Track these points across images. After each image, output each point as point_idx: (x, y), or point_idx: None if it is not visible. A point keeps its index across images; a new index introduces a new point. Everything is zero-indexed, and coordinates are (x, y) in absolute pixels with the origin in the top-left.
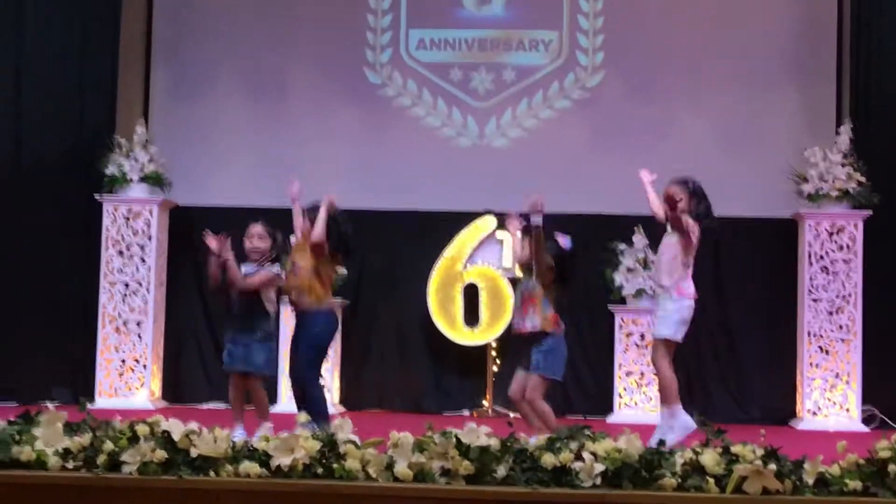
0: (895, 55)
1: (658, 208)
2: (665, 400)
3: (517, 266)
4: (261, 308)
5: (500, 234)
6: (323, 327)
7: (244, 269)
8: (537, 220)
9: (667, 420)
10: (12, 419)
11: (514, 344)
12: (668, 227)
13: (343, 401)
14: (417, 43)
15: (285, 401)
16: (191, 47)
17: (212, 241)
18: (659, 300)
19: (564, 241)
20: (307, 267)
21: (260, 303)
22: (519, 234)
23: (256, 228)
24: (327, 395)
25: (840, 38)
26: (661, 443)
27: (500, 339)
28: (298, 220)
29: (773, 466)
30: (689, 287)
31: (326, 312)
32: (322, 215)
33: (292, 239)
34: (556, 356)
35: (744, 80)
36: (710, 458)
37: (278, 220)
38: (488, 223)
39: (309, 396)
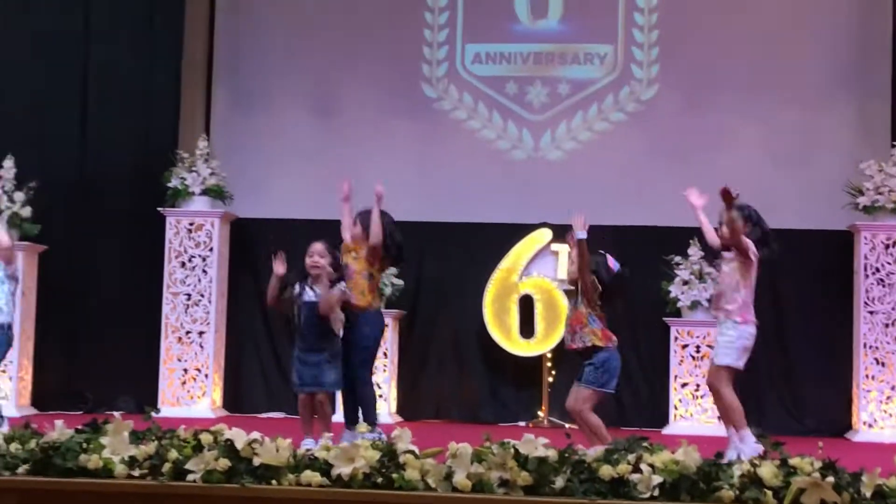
0: None
1: (712, 235)
2: (733, 424)
3: (568, 281)
4: (328, 327)
5: (555, 246)
6: (373, 327)
7: (310, 292)
8: (581, 234)
9: (736, 444)
10: (80, 427)
11: (570, 356)
12: (726, 254)
13: (400, 411)
14: (473, 57)
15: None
16: (251, 63)
17: (279, 267)
18: (721, 326)
19: (613, 263)
20: (360, 270)
21: (327, 322)
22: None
23: (317, 247)
24: (384, 405)
25: (895, 52)
26: (719, 455)
27: (555, 351)
28: (347, 220)
29: (831, 479)
30: (751, 313)
31: (375, 313)
32: (376, 215)
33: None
34: (606, 370)
35: (799, 94)
36: (767, 470)
37: (335, 233)
38: (543, 235)
39: (361, 395)
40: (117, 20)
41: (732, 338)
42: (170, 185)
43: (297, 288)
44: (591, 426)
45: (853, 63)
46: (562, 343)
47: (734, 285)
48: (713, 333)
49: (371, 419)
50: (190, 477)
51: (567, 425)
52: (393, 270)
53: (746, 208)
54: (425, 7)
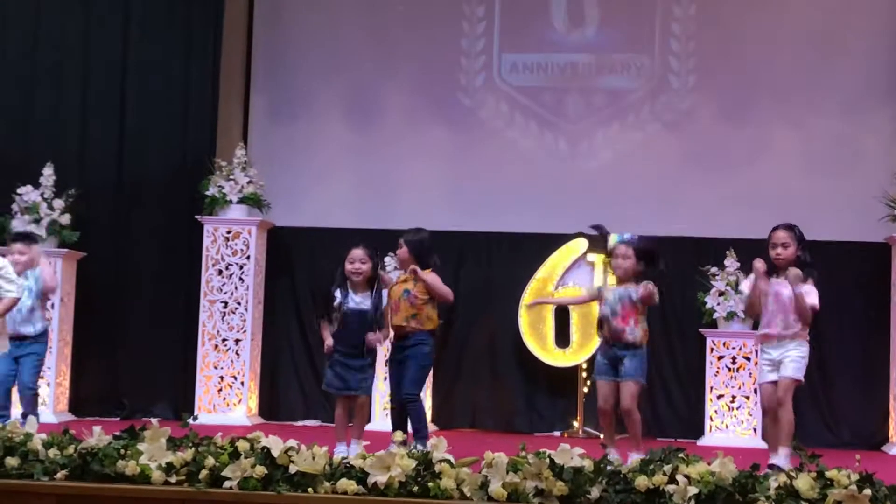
0: None
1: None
2: (786, 441)
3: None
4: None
5: (590, 256)
6: (431, 349)
7: (354, 298)
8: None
9: (783, 462)
10: (118, 434)
11: (601, 353)
12: (782, 275)
13: (435, 419)
14: (510, 67)
15: (378, 418)
16: (288, 73)
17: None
18: (788, 344)
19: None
20: (423, 297)
21: (371, 328)
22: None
23: (357, 252)
24: None
25: None
26: (755, 467)
27: (591, 360)
28: (403, 252)
29: (868, 492)
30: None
31: (432, 334)
32: (434, 283)
33: (388, 261)
34: (646, 363)
35: (836, 105)
36: (804, 482)
37: (374, 241)
38: (579, 245)
39: (414, 413)
40: (156, 30)
41: (804, 354)
42: (207, 193)
43: (338, 296)
44: (636, 422)
45: (891, 74)
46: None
47: (791, 303)
48: (749, 345)
49: (423, 434)
50: (226, 484)
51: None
52: None
53: (797, 228)
54: (462, 17)
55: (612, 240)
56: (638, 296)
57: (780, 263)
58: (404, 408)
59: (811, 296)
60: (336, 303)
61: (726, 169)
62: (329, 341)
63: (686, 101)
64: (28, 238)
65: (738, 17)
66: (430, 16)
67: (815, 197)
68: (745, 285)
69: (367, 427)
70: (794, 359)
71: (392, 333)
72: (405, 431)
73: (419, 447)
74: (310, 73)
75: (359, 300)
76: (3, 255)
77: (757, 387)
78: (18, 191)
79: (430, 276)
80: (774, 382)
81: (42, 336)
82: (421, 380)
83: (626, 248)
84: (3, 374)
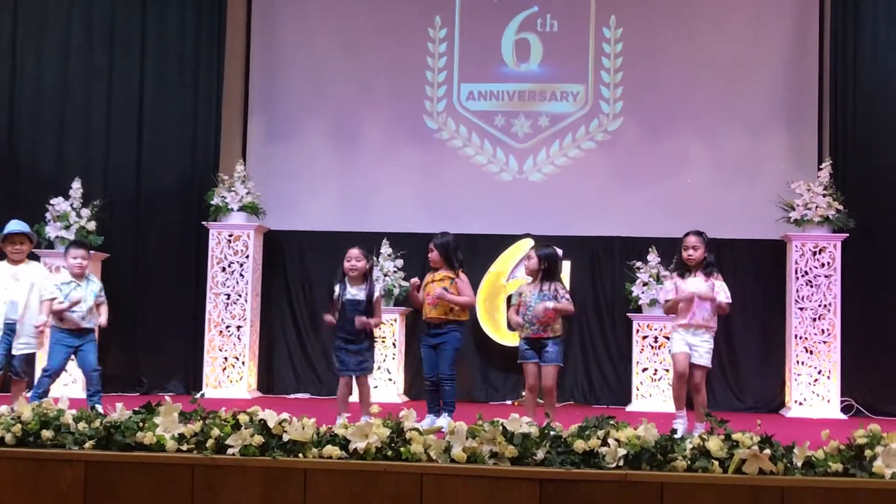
0: (866, 106)
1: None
2: (700, 416)
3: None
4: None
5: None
6: (463, 335)
7: (350, 291)
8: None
9: (682, 428)
10: (137, 409)
11: (528, 340)
12: (693, 273)
13: (407, 392)
14: (468, 94)
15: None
16: (280, 101)
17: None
18: (702, 335)
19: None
20: (455, 294)
21: (365, 315)
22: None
23: (354, 251)
24: (393, 388)
25: (821, 91)
26: (674, 431)
27: None
28: (434, 255)
29: (767, 451)
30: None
31: (462, 324)
32: (460, 301)
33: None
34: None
35: (741, 125)
36: (714, 444)
37: (353, 242)
38: (526, 244)
39: (449, 390)
40: (168, 65)
41: (711, 344)
42: (212, 202)
43: (337, 289)
44: (553, 397)
45: (787, 100)
46: None
47: (710, 301)
48: (668, 327)
49: (452, 408)
50: (229, 451)
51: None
52: (401, 275)
53: (705, 234)
54: (427, 52)
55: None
56: (553, 307)
57: (691, 262)
58: (437, 385)
59: (725, 293)
60: (335, 295)
61: (649, 180)
62: (330, 318)
63: (615, 124)
64: (84, 245)
65: (658, 53)
66: (400, 52)
67: (724, 202)
68: (670, 292)
69: (353, 399)
70: (707, 350)
71: (427, 317)
72: (436, 405)
73: (447, 417)
74: (299, 100)
75: (354, 292)
76: (66, 258)
77: (671, 355)
78: (51, 202)
79: (462, 299)
80: (688, 355)
81: (94, 329)
82: (454, 360)
83: (532, 251)
84: (58, 366)
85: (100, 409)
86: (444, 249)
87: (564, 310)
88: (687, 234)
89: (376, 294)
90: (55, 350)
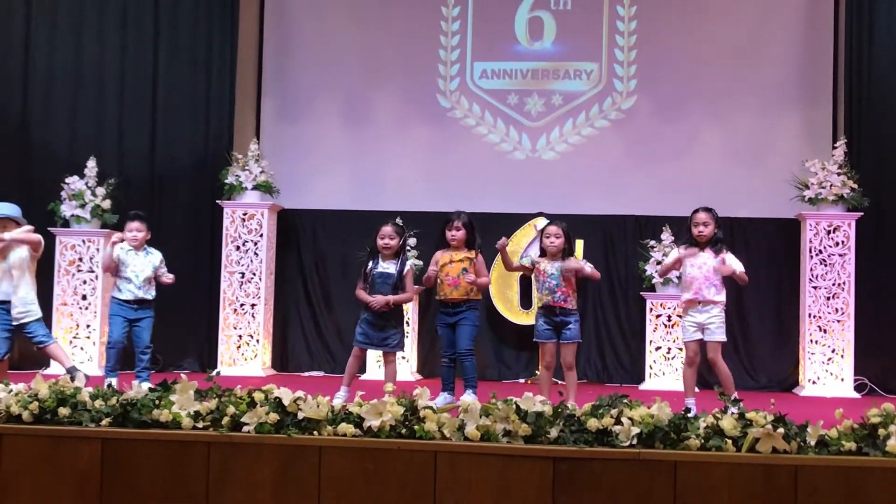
0: (881, 84)
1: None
2: (729, 390)
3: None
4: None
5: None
6: (480, 312)
7: (382, 265)
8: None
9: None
10: (153, 387)
11: (547, 319)
12: (701, 249)
13: (420, 370)
14: (481, 73)
15: (370, 370)
16: (293, 81)
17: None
18: (711, 311)
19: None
20: (473, 274)
21: (395, 291)
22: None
23: (387, 229)
24: (407, 366)
25: (835, 69)
26: (688, 410)
27: None
28: (462, 234)
29: (781, 430)
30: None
31: (480, 302)
32: (480, 281)
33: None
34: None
35: (756, 103)
36: (728, 422)
37: (365, 222)
38: (540, 223)
39: (469, 364)
40: (182, 46)
41: (722, 317)
42: (226, 181)
43: (370, 263)
44: (574, 378)
45: (801, 77)
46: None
47: (712, 274)
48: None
49: (473, 384)
50: (245, 428)
51: (560, 382)
52: (414, 253)
53: (714, 210)
54: (440, 31)
55: (541, 222)
56: (590, 270)
57: (701, 239)
58: (454, 362)
59: (737, 263)
60: (368, 269)
61: (662, 158)
62: (369, 298)
63: (628, 102)
64: (139, 217)
65: (672, 31)
66: (413, 30)
67: (737, 181)
68: (671, 256)
69: (364, 377)
70: (718, 324)
71: (447, 296)
72: (452, 383)
73: (471, 394)
74: (311, 81)
75: (386, 265)
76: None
77: (683, 343)
78: (67, 180)
79: (483, 280)
80: (699, 341)
81: (153, 302)
82: (474, 337)
83: (557, 228)
84: (117, 337)
85: (146, 386)
86: (469, 228)
87: (592, 275)
88: (696, 211)
89: (407, 268)
90: (113, 322)
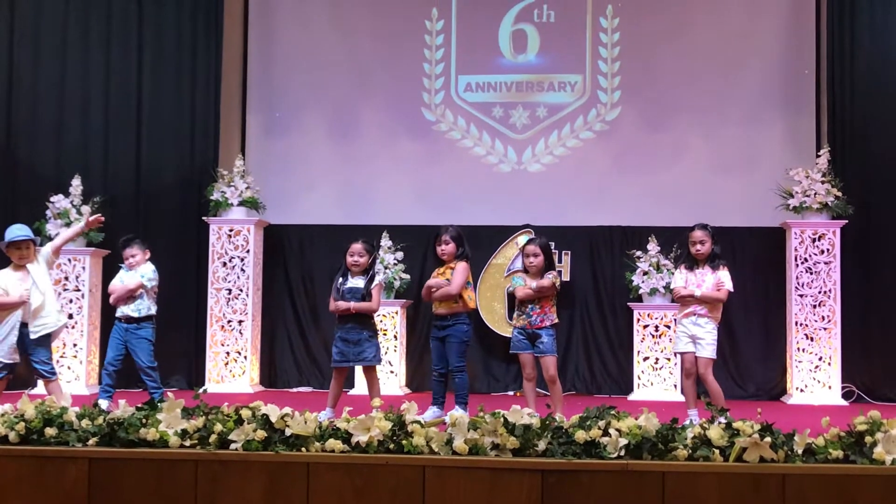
0: (863, 92)
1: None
2: (718, 403)
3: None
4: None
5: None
6: (469, 327)
7: (351, 281)
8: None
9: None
10: (140, 405)
11: (521, 330)
12: (702, 266)
13: (409, 384)
14: (465, 86)
15: (357, 385)
16: (278, 96)
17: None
18: (704, 325)
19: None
20: (460, 287)
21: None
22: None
23: (357, 247)
24: (395, 380)
25: (818, 78)
26: (675, 421)
27: None
28: (451, 247)
29: (768, 439)
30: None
31: (469, 315)
32: (455, 281)
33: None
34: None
35: (739, 114)
36: (715, 432)
37: (351, 236)
38: (522, 239)
39: (459, 381)
40: (165, 62)
41: (714, 335)
42: (212, 197)
43: (339, 280)
44: (559, 391)
45: (784, 86)
46: None
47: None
48: (669, 315)
49: (464, 400)
50: (233, 446)
51: (545, 394)
52: (401, 267)
53: (710, 227)
54: (424, 45)
55: (523, 239)
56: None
57: (699, 257)
58: (445, 377)
59: (728, 283)
60: (338, 284)
61: (647, 169)
62: (344, 304)
63: (612, 113)
64: (127, 243)
65: (655, 42)
66: (397, 44)
67: (722, 191)
68: (680, 280)
69: (351, 392)
70: (709, 341)
71: (435, 311)
72: (441, 397)
73: (460, 410)
74: (297, 95)
75: (355, 281)
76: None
77: (676, 354)
78: (52, 199)
79: (449, 286)
80: (692, 353)
81: (148, 319)
82: (463, 353)
83: (534, 247)
84: (110, 357)
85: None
86: (458, 240)
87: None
88: (693, 230)
89: (375, 281)
90: (110, 341)
